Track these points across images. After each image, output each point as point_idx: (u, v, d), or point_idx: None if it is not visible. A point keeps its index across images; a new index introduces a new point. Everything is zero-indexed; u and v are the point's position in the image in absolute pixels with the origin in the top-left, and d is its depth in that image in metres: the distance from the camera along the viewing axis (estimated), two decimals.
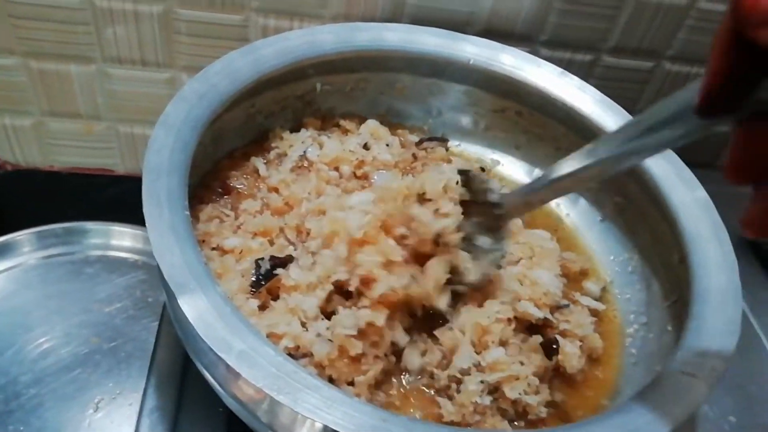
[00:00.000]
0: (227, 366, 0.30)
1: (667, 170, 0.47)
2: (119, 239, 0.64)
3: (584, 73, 0.73)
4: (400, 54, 0.52)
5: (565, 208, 0.55)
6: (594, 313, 0.47)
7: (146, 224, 0.33)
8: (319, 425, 0.29)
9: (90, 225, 0.63)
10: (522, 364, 0.39)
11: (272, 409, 0.31)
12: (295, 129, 0.54)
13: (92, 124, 0.69)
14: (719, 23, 0.22)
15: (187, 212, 0.36)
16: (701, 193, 0.46)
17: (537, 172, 0.56)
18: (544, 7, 0.65)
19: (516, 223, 0.49)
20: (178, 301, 0.30)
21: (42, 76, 0.64)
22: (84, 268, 0.63)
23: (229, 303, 0.32)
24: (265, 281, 0.39)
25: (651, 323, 0.47)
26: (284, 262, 0.41)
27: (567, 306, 0.44)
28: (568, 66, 0.71)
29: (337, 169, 0.50)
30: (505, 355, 0.39)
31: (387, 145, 0.51)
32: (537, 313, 0.42)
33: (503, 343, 0.39)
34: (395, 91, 0.56)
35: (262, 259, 0.40)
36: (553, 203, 0.54)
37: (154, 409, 0.41)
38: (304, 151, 0.50)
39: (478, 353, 0.39)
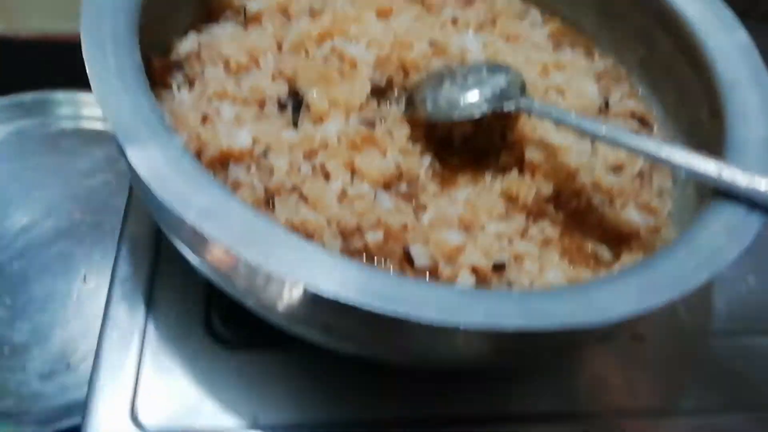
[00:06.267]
0: (190, 226, 0.26)
1: (701, 11, 0.40)
2: (91, 108, 0.59)
3: None
4: None
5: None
6: None
7: (86, 67, 0.28)
8: (298, 286, 0.26)
9: (60, 95, 0.58)
10: None
11: (245, 271, 0.28)
12: None
13: None
14: None
15: (139, 57, 0.30)
16: (741, 35, 0.39)
17: None
18: None
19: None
20: (127, 154, 0.26)
21: None
22: (60, 141, 0.59)
23: (189, 155, 0.28)
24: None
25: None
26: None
27: None
28: None
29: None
30: None
31: None
32: None
33: None
34: None
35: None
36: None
37: (127, 279, 0.38)
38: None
39: None
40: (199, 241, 0.28)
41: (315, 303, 0.27)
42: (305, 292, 0.27)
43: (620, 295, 0.30)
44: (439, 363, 0.35)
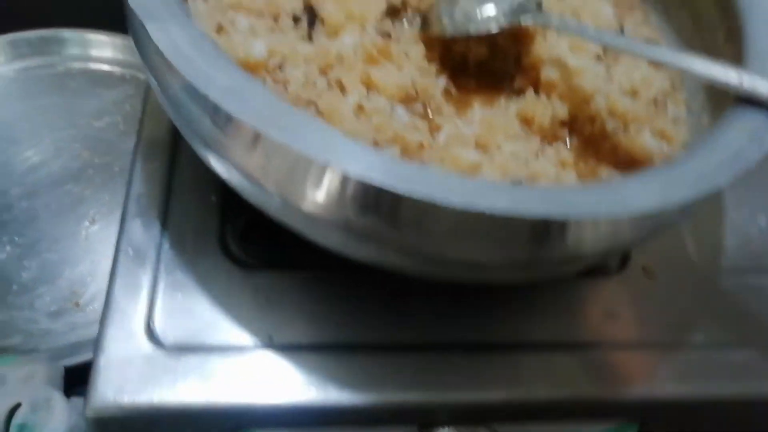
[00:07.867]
0: (213, 110, 0.26)
1: None
2: (99, 49, 0.59)
3: None
4: None
5: None
6: None
7: None
8: (323, 167, 0.26)
9: (67, 33, 0.58)
10: None
11: (266, 151, 0.28)
12: None
13: None
14: None
15: None
16: None
17: None
18: None
19: None
20: (147, 29, 0.26)
21: None
22: (66, 82, 0.58)
23: (210, 39, 0.27)
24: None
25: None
26: None
27: None
28: None
29: None
30: None
31: None
32: None
33: None
34: None
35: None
36: None
37: (142, 196, 0.38)
38: None
39: None
40: (220, 122, 0.28)
41: (338, 188, 0.27)
42: (330, 173, 0.27)
43: (644, 190, 0.30)
44: (454, 266, 0.34)
